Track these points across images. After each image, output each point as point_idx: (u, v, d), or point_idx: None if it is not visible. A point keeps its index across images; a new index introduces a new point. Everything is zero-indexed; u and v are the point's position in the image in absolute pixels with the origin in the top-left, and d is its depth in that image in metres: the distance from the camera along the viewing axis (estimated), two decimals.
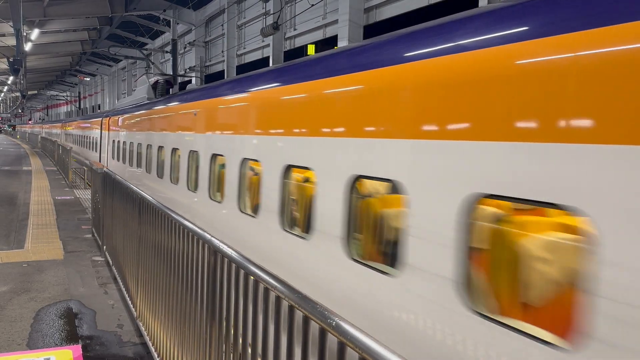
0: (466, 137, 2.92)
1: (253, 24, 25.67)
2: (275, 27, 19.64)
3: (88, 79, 60.80)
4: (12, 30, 21.67)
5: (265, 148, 5.34)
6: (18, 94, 49.74)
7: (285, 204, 4.77)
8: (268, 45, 23.41)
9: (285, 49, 22.80)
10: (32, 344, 4.69)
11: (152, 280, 4.34)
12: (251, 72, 7.17)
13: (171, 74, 29.67)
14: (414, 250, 3.12)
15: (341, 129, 3.90)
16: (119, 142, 15.14)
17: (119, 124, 15.22)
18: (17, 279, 6.58)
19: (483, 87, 2.86)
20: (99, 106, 61.09)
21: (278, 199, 4.81)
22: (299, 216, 4.73)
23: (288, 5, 21.53)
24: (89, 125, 22.78)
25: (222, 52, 28.70)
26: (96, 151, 19.20)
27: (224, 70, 28.55)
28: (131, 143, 13.23)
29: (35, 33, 28.64)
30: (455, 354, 2.85)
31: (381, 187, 3.83)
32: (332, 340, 1.81)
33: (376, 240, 3.74)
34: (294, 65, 5.55)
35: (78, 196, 14.76)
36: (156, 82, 14.95)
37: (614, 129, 2.24)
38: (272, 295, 2.28)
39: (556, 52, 2.52)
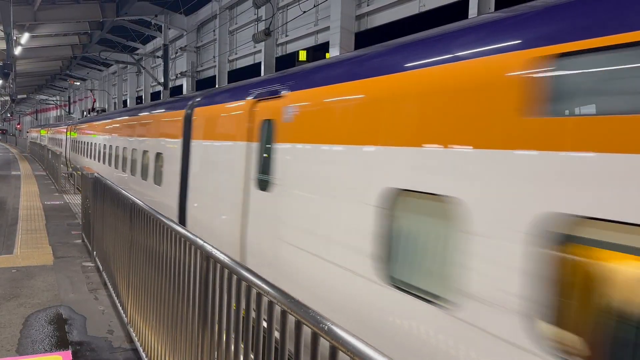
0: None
1: (245, 29, 25.65)
2: (267, 33, 19.68)
3: (78, 83, 60.39)
4: (2, 34, 21.55)
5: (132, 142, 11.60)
6: (7, 98, 49.29)
7: (155, 169, 9.30)
8: (260, 51, 23.42)
9: (277, 55, 22.83)
10: (21, 350, 4.66)
11: (143, 286, 4.33)
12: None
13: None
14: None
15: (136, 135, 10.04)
16: (72, 140, 27.09)
17: (74, 130, 26.47)
18: (6, 285, 6.54)
19: None
20: (89, 111, 60.77)
21: (153, 167, 9.39)
22: (161, 175, 9.20)
23: (280, 11, 21.58)
24: (59, 130, 36.33)
25: (214, 57, 28.62)
26: (61, 146, 30.68)
27: (215, 76, 28.49)
28: (76, 140, 24.89)
29: (25, 37, 28.41)
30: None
31: (159, 153, 9.06)
32: (324, 345, 1.83)
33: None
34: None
35: (68, 201, 14.68)
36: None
37: None
38: (265, 300, 2.30)
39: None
